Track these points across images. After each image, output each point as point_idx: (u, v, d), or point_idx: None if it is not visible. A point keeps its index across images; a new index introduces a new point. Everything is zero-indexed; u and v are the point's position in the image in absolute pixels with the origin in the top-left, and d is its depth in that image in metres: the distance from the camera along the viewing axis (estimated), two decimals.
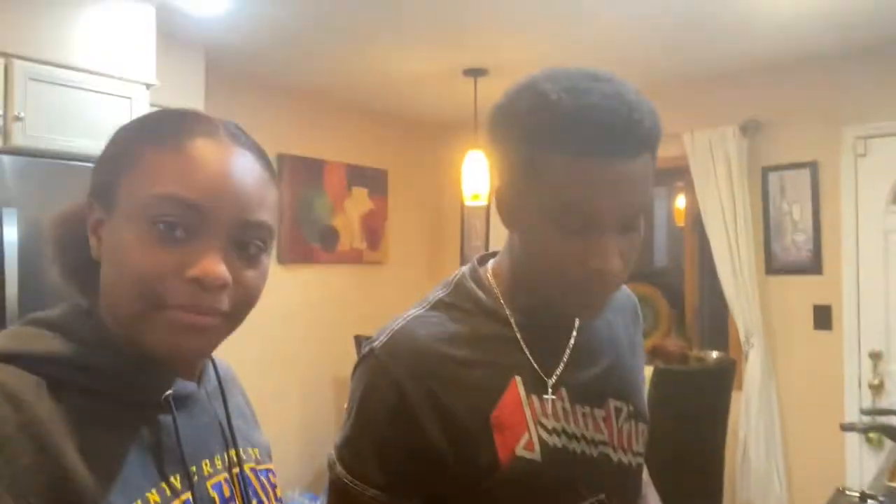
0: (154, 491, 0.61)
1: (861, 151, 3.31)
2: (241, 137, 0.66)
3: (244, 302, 0.64)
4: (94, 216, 0.65)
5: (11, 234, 2.19)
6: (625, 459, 0.90)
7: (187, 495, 0.63)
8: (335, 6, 2.78)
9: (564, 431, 0.84)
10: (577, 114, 0.73)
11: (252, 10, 2.83)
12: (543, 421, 0.83)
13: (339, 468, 0.83)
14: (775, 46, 3.24)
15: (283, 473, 0.88)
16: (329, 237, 4.23)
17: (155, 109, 0.72)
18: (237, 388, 0.83)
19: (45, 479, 0.54)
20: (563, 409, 0.85)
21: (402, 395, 0.80)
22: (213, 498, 0.67)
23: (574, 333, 0.89)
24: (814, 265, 3.43)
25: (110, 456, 0.59)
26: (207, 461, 0.68)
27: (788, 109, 3.52)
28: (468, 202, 3.76)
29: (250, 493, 0.72)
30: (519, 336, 0.85)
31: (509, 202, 0.82)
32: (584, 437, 0.86)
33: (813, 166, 3.43)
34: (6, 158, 2.23)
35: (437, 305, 0.88)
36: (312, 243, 4.12)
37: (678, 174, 3.95)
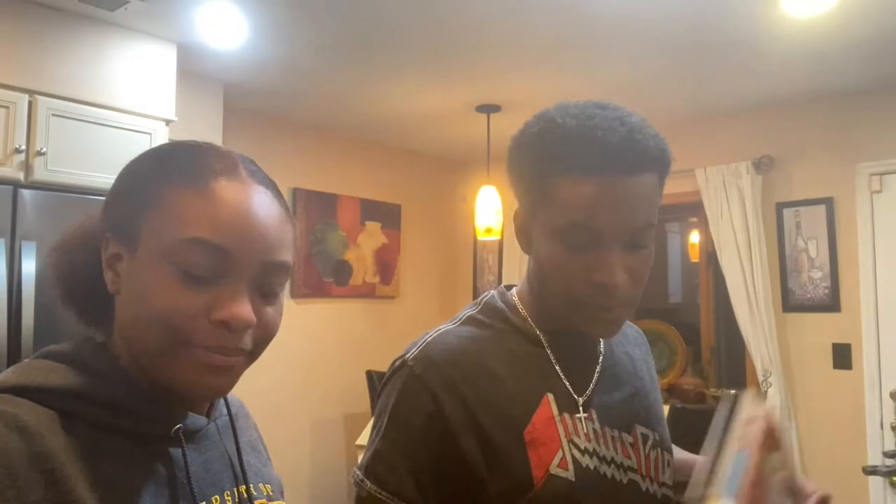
0: None
1: (876, 188, 3.29)
2: (258, 174, 0.67)
3: (264, 339, 0.65)
4: (111, 251, 0.65)
5: (29, 267, 2.21)
6: (651, 489, 0.89)
7: None
8: (348, 43, 2.84)
9: (596, 453, 0.84)
10: (580, 135, 0.77)
11: (267, 47, 2.89)
12: (576, 440, 0.83)
13: (369, 485, 0.81)
14: (788, 83, 3.26)
15: None
16: (342, 271, 4.24)
17: (176, 141, 0.72)
18: (249, 423, 0.83)
19: None
20: (594, 429, 0.85)
21: (437, 404, 0.80)
22: None
23: (601, 359, 0.91)
24: (832, 302, 3.38)
25: (122, 490, 0.58)
26: (217, 496, 0.67)
27: (802, 145, 3.52)
28: (481, 237, 3.77)
29: None
30: (551, 355, 0.87)
31: (524, 225, 0.87)
32: (614, 462, 0.85)
33: (829, 202, 3.42)
34: (27, 193, 2.27)
35: (468, 321, 0.90)
36: (325, 278, 4.13)
37: (692, 210, 3.95)
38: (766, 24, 2.56)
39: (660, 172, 0.81)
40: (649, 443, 0.90)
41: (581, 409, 0.86)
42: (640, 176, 0.77)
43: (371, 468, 0.82)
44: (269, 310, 0.65)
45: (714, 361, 3.98)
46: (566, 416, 0.84)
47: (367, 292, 4.40)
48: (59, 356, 0.63)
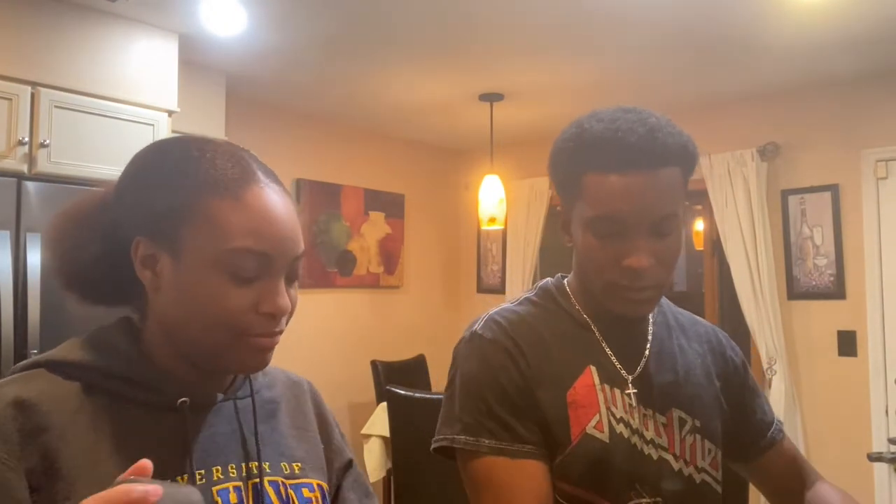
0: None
1: (882, 174, 3.27)
2: (268, 172, 0.75)
3: (290, 316, 0.76)
4: (145, 252, 0.72)
5: (34, 259, 2.22)
6: (686, 471, 0.95)
7: None
8: (351, 32, 2.83)
9: (629, 424, 0.93)
10: (604, 137, 0.88)
11: (269, 37, 2.88)
12: (613, 409, 0.93)
13: (463, 438, 0.91)
14: (794, 70, 3.23)
15: None
16: (346, 262, 4.24)
17: (180, 137, 0.77)
18: (306, 406, 0.89)
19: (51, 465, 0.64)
20: (630, 404, 0.94)
21: (512, 360, 0.93)
22: (217, 502, 0.71)
23: (648, 345, 0.99)
24: (837, 290, 3.38)
25: (127, 450, 0.67)
26: (219, 467, 0.73)
27: (808, 132, 3.50)
28: (484, 226, 3.76)
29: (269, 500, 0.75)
30: (599, 336, 0.98)
31: (565, 220, 0.98)
32: (643, 437, 0.94)
33: (834, 189, 3.40)
34: (31, 185, 2.27)
35: (524, 302, 1.02)
36: (329, 268, 4.14)
37: (696, 198, 3.93)
38: (770, 10, 2.54)
39: (682, 166, 0.89)
40: (686, 427, 0.96)
41: (630, 384, 0.95)
42: (659, 170, 0.86)
43: (460, 424, 0.92)
44: (293, 292, 0.76)
45: None
46: (606, 386, 0.94)
47: (372, 282, 4.40)
48: (89, 336, 0.74)
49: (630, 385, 0.95)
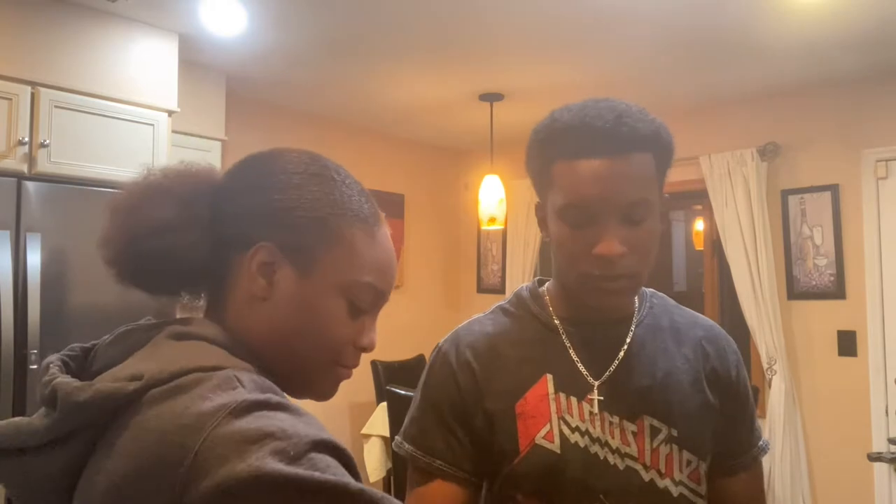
0: None
1: (882, 174, 3.27)
2: (380, 211, 0.78)
3: None
4: (266, 258, 0.68)
5: (35, 259, 2.22)
6: (661, 483, 0.91)
7: None
8: (350, 32, 2.83)
9: (588, 433, 0.91)
10: (572, 125, 0.87)
11: (269, 37, 2.88)
12: (567, 418, 0.92)
13: (407, 446, 0.97)
14: (794, 70, 3.23)
15: None
16: None
17: (304, 151, 0.77)
18: None
19: None
20: (590, 412, 0.92)
21: (454, 377, 0.96)
22: None
23: (625, 348, 0.96)
24: (837, 290, 3.37)
25: None
26: None
27: (808, 132, 3.50)
28: (484, 226, 3.76)
29: None
30: (567, 342, 0.96)
31: (540, 213, 0.97)
32: (607, 445, 0.91)
33: (834, 189, 3.40)
34: (31, 185, 2.27)
35: (496, 310, 1.04)
36: None
37: (697, 198, 3.93)
38: (770, 10, 2.54)
39: (654, 153, 0.88)
40: (661, 436, 0.92)
41: (596, 390, 0.93)
42: (628, 155, 0.85)
43: (406, 433, 0.98)
44: None
45: None
46: (562, 395, 0.93)
47: None
48: (209, 340, 0.66)
49: (595, 391, 0.93)
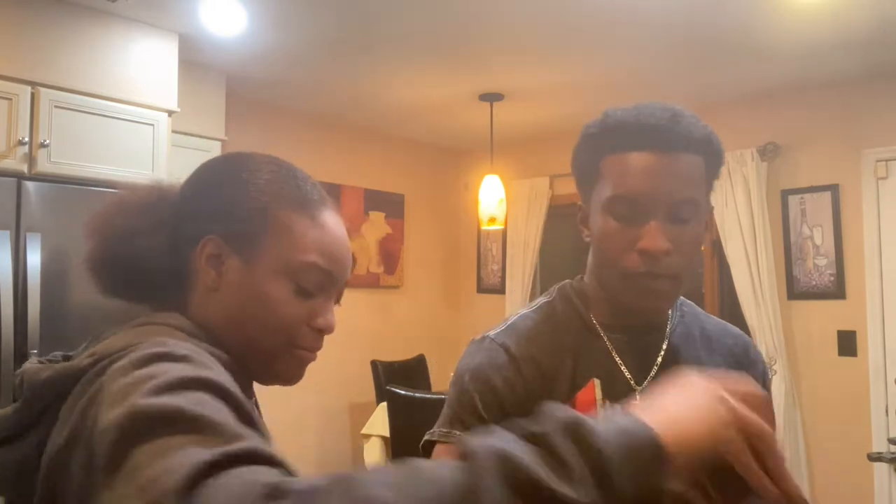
0: None
1: (882, 174, 3.27)
2: (332, 200, 0.80)
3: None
4: (212, 251, 0.73)
5: (35, 259, 2.22)
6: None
7: None
8: (350, 33, 2.83)
9: None
10: (626, 121, 0.88)
11: (269, 37, 2.88)
12: None
13: (457, 431, 0.89)
14: (794, 70, 3.23)
15: None
16: None
17: (254, 153, 0.80)
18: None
19: None
20: None
21: (517, 368, 0.92)
22: None
23: (661, 354, 0.95)
24: (837, 290, 3.37)
25: None
26: None
27: (808, 132, 3.50)
28: (484, 226, 3.76)
29: None
30: (609, 345, 0.94)
31: (584, 211, 0.96)
32: None
33: (834, 189, 3.40)
34: (31, 184, 2.27)
35: (543, 306, 1.01)
36: None
37: None
38: (771, 10, 2.54)
39: (705, 156, 0.88)
40: None
41: (638, 398, 0.91)
42: (679, 154, 0.86)
43: (456, 417, 0.91)
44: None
45: None
46: (608, 402, 0.91)
47: (372, 282, 4.40)
48: (182, 329, 0.71)
49: (638, 397, 0.92)
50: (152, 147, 2.61)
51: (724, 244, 3.64)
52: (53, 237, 2.28)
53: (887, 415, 3.19)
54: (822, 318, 3.42)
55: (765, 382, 1.02)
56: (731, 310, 3.81)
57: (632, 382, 0.92)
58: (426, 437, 0.93)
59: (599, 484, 0.47)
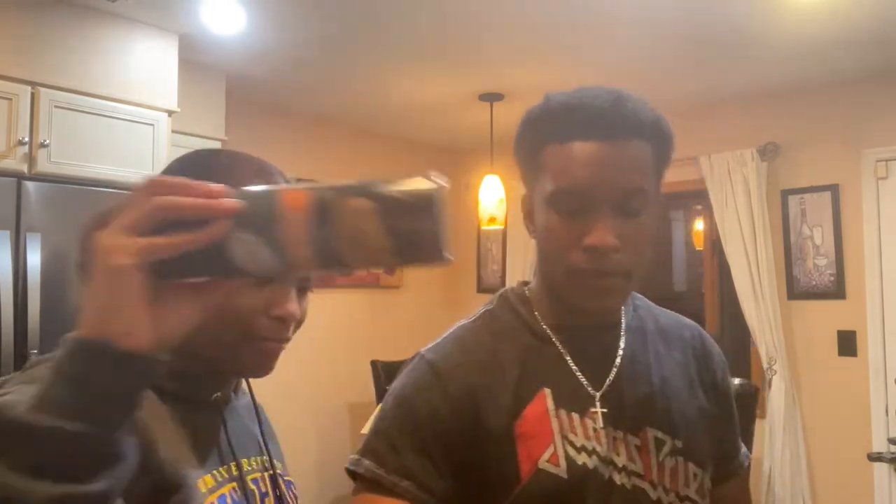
0: (209, 476, 0.72)
1: (882, 174, 3.27)
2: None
3: (298, 326, 0.80)
4: None
5: (35, 259, 2.22)
6: (667, 499, 0.83)
7: (234, 484, 0.74)
8: (350, 32, 2.83)
9: (595, 452, 0.82)
10: (567, 106, 0.81)
11: (269, 37, 2.88)
12: (571, 437, 0.82)
13: (367, 462, 0.82)
14: (794, 70, 3.23)
15: (300, 499, 0.91)
16: None
17: (208, 151, 0.82)
18: (264, 415, 0.94)
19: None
20: (593, 428, 0.83)
21: (443, 388, 0.84)
22: (254, 490, 0.77)
23: (620, 352, 0.88)
24: (837, 290, 3.37)
25: (178, 441, 0.70)
26: (246, 460, 0.79)
27: (808, 132, 3.50)
28: (484, 226, 3.76)
29: (281, 494, 0.82)
30: (562, 349, 0.87)
31: (527, 204, 0.89)
32: (613, 463, 0.82)
33: (834, 189, 3.40)
34: (31, 185, 2.27)
35: (484, 315, 0.93)
36: None
37: (696, 197, 3.93)
38: (770, 10, 2.54)
39: (653, 142, 0.81)
40: (665, 448, 0.84)
41: (598, 402, 0.84)
42: (626, 141, 0.79)
43: (371, 447, 0.84)
44: (304, 303, 0.80)
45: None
46: (563, 411, 0.83)
47: (371, 282, 4.40)
48: None
49: (598, 403, 0.84)
50: (152, 147, 2.61)
51: (723, 244, 3.63)
52: (53, 237, 2.28)
53: (887, 415, 3.19)
54: (822, 318, 3.42)
55: (724, 375, 0.96)
56: (731, 310, 3.81)
57: (588, 388, 0.85)
58: (360, 464, 0.84)
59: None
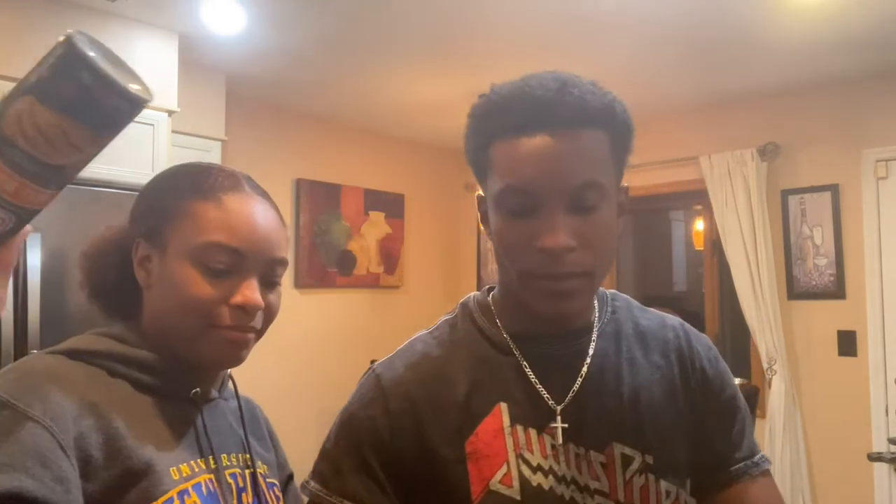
0: (185, 465, 0.74)
1: (882, 174, 3.27)
2: (258, 188, 0.84)
3: (268, 319, 0.82)
4: (141, 253, 0.80)
5: (35, 259, 2.22)
6: None
7: (210, 476, 0.76)
8: (350, 33, 2.83)
9: (553, 472, 0.76)
10: (512, 97, 0.75)
11: (269, 37, 2.88)
12: (527, 456, 0.77)
13: (313, 484, 0.80)
14: (794, 70, 3.23)
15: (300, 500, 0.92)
16: (346, 262, 4.24)
17: (185, 163, 0.87)
18: (259, 419, 0.95)
19: (102, 437, 0.68)
20: (552, 445, 0.77)
21: (386, 404, 0.79)
22: (231, 483, 0.79)
23: (587, 362, 0.81)
24: (837, 290, 3.37)
25: (152, 432, 0.73)
26: (225, 455, 0.81)
27: (808, 132, 3.50)
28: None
29: (260, 492, 0.84)
30: (522, 361, 0.81)
31: (482, 205, 0.83)
32: (574, 482, 0.76)
33: (834, 189, 3.40)
34: None
35: (442, 325, 0.88)
36: (329, 268, 4.14)
37: (696, 197, 3.93)
38: (770, 10, 2.54)
39: (608, 130, 0.75)
40: (634, 465, 0.78)
41: (560, 416, 0.78)
42: (575, 131, 0.72)
43: (316, 468, 0.82)
44: (272, 296, 0.82)
45: (719, 349, 3.97)
46: (519, 428, 0.77)
47: (372, 282, 4.40)
48: (104, 332, 0.79)
49: (559, 417, 0.78)
50: (152, 147, 2.61)
51: (723, 244, 3.64)
52: (53, 237, 2.28)
53: (887, 415, 3.19)
54: (822, 318, 3.42)
55: (715, 368, 0.89)
56: (731, 310, 3.82)
57: (549, 402, 0.78)
58: (308, 486, 0.82)
59: None
